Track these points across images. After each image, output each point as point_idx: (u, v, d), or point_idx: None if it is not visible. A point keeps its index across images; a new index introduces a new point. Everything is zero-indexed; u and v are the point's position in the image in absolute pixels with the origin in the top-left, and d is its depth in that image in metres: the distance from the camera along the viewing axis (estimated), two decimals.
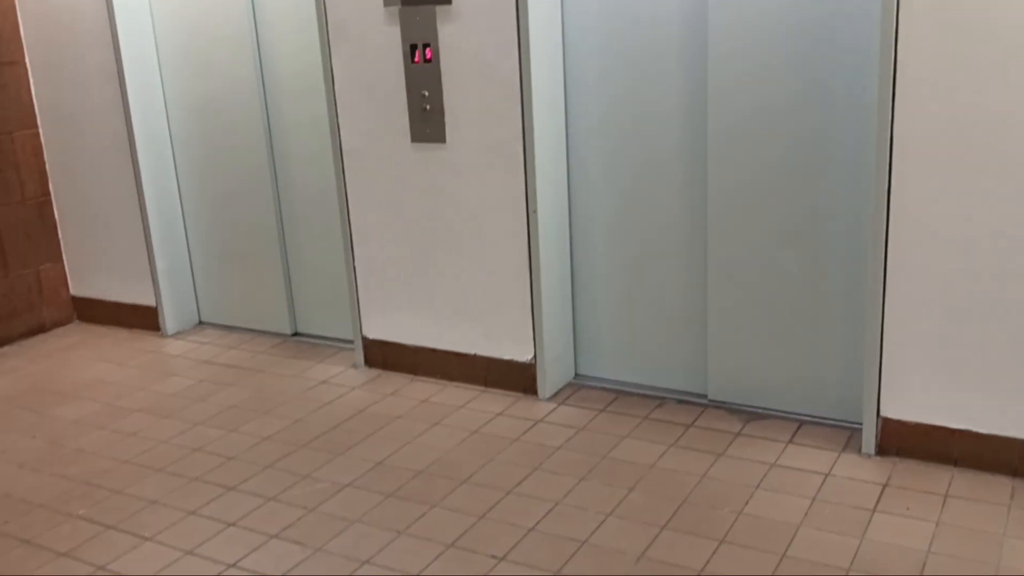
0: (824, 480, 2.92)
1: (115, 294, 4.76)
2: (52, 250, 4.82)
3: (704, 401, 3.51)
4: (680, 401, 3.53)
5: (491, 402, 3.63)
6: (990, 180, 2.71)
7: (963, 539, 2.58)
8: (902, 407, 2.99)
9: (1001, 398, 2.84)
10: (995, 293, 2.78)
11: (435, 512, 2.88)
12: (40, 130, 4.70)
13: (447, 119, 3.56)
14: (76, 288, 4.90)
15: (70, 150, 4.65)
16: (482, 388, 3.76)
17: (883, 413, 3.02)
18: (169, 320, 4.62)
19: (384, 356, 3.99)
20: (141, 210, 4.49)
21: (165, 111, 4.50)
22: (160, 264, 4.56)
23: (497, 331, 3.68)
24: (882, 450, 3.05)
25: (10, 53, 4.55)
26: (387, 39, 3.59)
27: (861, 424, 3.09)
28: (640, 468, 3.07)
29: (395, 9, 3.53)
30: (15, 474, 3.30)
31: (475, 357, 3.76)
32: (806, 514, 2.74)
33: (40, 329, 4.79)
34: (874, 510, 2.74)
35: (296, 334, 4.48)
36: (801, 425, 3.28)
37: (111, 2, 4.25)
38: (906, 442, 3.01)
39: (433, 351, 3.86)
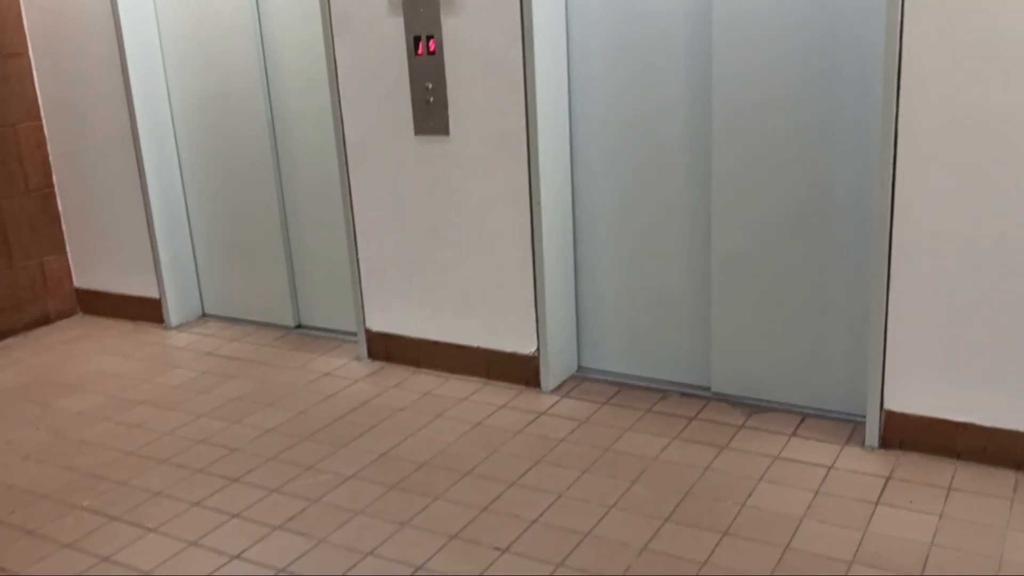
0: (827, 473, 2.92)
1: (119, 286, 4.77)
2: (56, 242, 4.83)
3: (707, 394, 3.51)
4: (683, 394, 3.53)
5: (494, 395, 3.63)
6: (995, 175, 2.71)
7: (966, 532, 2.58)
8: (905, 400, 2.99)
9: (1005, 391, 2.84)
10: (999, 287, 2.78)
11: (438, 504, 2.88)
12: (44, 122, 4.70)
13: (450, 111, 3.55)
14: (80, 280, 4.90)
15: (74, 142, 4.65)
16: (485, 381, 3.76)
17: (886, 406, 3.02)
18: (173, 312, 4.63)
19: (387, 349, 4.00)
20: (145, 202, 4.49)
21: (168, 103, 4.50)
22: (164, 256, 4.56)
23: (500, 323, 3.68)
24: (885, 443, 3.05)
25: (14, 45, 4.55)
26: (391, 31, 3.58)
27: (864, 417, 3.09)
28: (643, 461, 3.07)
29: (399, 0, 3.52)
30: (20, 465, 3.31)
31: (478, 349, 3.77)
32: (809, 507, 2.74)
33: (44, 321, 4.79)
34: (877, 503, 2.74)
35: (299, 326, 4.48)
36: (804, 418, 3.28)
37: None
38: (909, 435, 3.01)
39: (436, 344, 3.86)
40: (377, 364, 4.00)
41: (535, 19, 3.29)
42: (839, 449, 3.06)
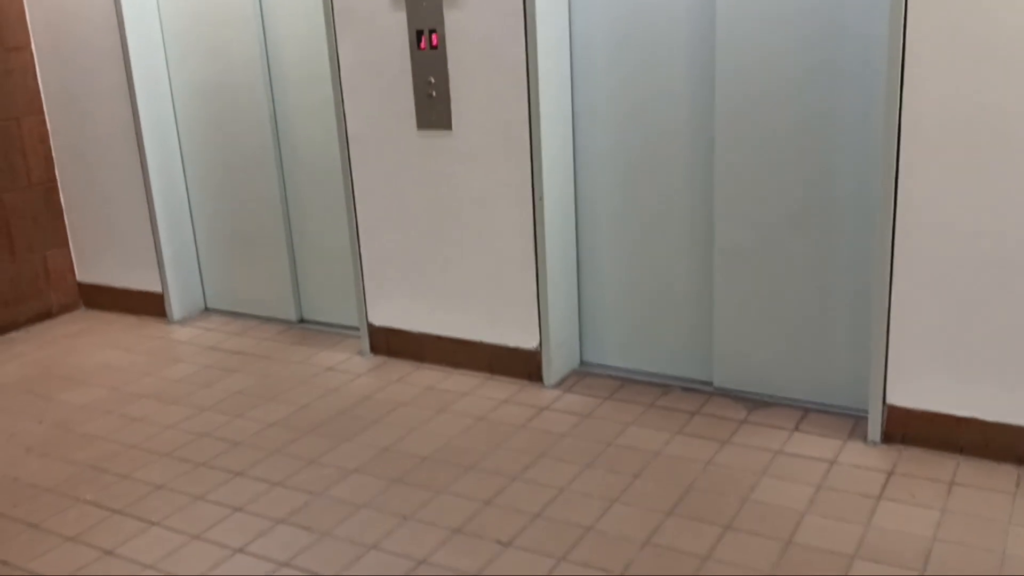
0: (829, 468, 2.92)
1: (121, 280, 4.77)
2: (58, 236, 4.83)
3: (709, 388, 3.51)
4: (685, 388, 3.53)
5: (496, 389, 3.64)
6: (999, 169, 2.70)
7: (969, 527, 2.58)
8: (908, 395, 2.99)
9: (1007, 386, 2.84)
10: (1002, 281, 2.77)
11: (441, 498, 2.88)
12: (46, 116, 4.70)
13: (453, 106, 3.55)
14: (82, 274, 4.90)
15: (76, 135, 4.65)
16: (488, 375, 3.76)
17: (889, 401, 3.02)
18: (175, 306, 4.63)
19: (390, 343, 4.00)
20: (147, 196, 4.50)
21: (171, 96, 4.50)
22: (166, 251, 4.56)
23: (503, 318, 3.68)
24: (888, 438, 3.05)
25: (16, 39, 4.55)
26: (393, 24, 3.58)
27: (867, 411, 3.09)
28: (645, 455, 3.07)
29: None
30: (23, 459, 3.31)
31: (480, 344, 3.77)
32: (811, 502, 2.74)
33: (47, 315, 4.80)
34: (879, 498, 2.74)
35: (302, 321, 4.49)
36: (806, 412, 3.28)
37: None
38: (912, 430, 3.01)
39: (439, 338, 3.86)
40: (380, 359, 4.00)
41: (537, 12, 3.28)
42: (841, 444, 3.06)
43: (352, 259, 3.99)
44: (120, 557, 2.68)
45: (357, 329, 4.17)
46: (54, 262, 4.82)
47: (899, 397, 3.00)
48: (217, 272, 4.67)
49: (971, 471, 2.85)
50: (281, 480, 3.05)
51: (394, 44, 3.60)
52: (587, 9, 3.43)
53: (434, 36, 3.50)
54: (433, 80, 3.56)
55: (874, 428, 3.05)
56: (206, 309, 4.76)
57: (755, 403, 3.38)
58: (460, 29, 3.45)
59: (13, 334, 4.60)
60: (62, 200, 4.81)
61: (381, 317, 3.99)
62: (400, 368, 3.89)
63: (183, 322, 4.62)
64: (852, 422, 3.19)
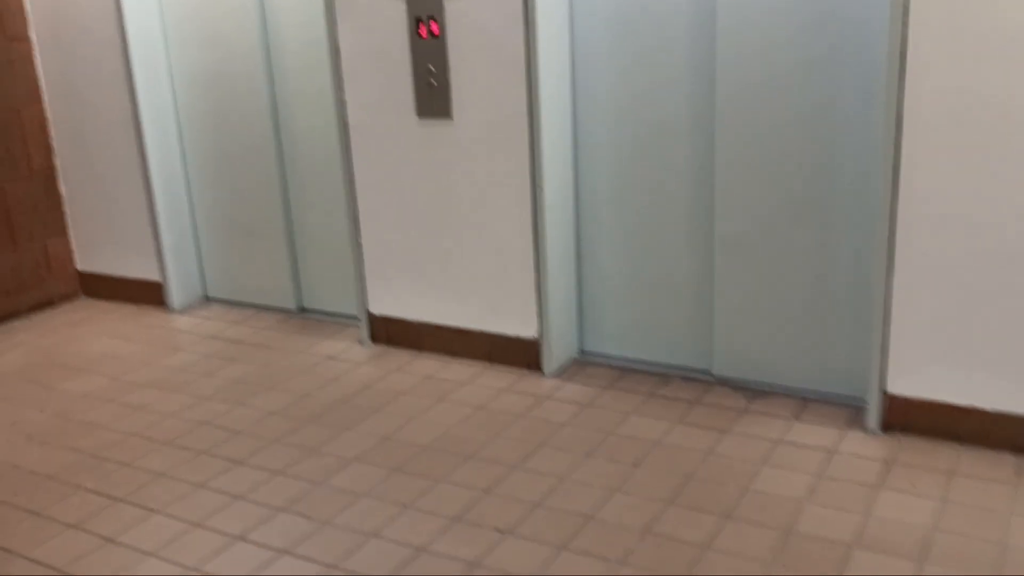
0: (829, 457, 2.93)
1: (121, 269, 4.77)
2: (59, 225, 4.82)
3: (709, 377, 3.51)
4: (685, 378, 3.54)
5: (496, 378, 3.64)
6: (1001, 158, 2.70)
7: (969, 517, 2.58)
8: (908, 384, 2.99)
9: (1008, 375, 2.84)
10: (1003, 271, 2.77)
11: (440, 487, 2.89)
12: (46, 105, 4.70)
13: (453, 95, 3.54)
14: (82, 263, 4.90)
15: (76, 125, 4.65)
16: (487, 364, 3.76)
17: (889, 390, 3.02)
18: (175, 295, 4.63)
19: (389, 332, 4.00)
20: (147, 185, 4.49)
21: (171, 85, 4.49)
22: (166, 240, 4.56)
23: (502, 307, 3.68)
24: (888, 427, 3.05)
25: (16, 29, 4.54)
26: (394, 12, 3.57)
27: (866, 401, 3.09)
28: (645, 444, 3.07)
29: None
30: (24, 446, 3.32)
31: (480, 333, 3.77)
32: (811, 491, 2.75)
33: (47, 304, 4.80)
34: (879, 487, 2.75)
35: (302, 310, 4.49)
36: (807, 402, 3.29)
37: None
38: (912, 419, 3.01)
39: (438, 327, 3.86)
40: (379, 348, 4.01)
41: (538, 1, 3.27)
42: (841, 433, 3.06)
43: (351, 248, 3.99)
44: (121, 545, 2.69)
45: (357, 318, 4.17)
46: (54, 251, 4.81)
47: (899, 386, 3.00)
48: (217, 261, 4.67)
49: (971, 461, 2.86)
50: (281, 469, 3.05)
51: (394, 32, 3.59)
52: None
53: (434, 25, 3.49)
54: (433, 69, 3.55)
55: (874, 417, 3.05)
56: (206, 298, 4.76)
57: (755, 392, 3.38)
58: (460, 17, 3.44)
59: (14, 322, 4.60)
60: (62, 189, 4.81)
61: (381, 306, 3.99)
62: (400, 357, 3.89)
63: (183, 311, 4.62)
64: (852, 411, 3.19)
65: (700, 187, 3.39)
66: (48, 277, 4.79)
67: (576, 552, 2.52)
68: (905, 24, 2.71)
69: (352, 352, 3.98)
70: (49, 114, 4.71)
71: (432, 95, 3.58)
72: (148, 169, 4.45)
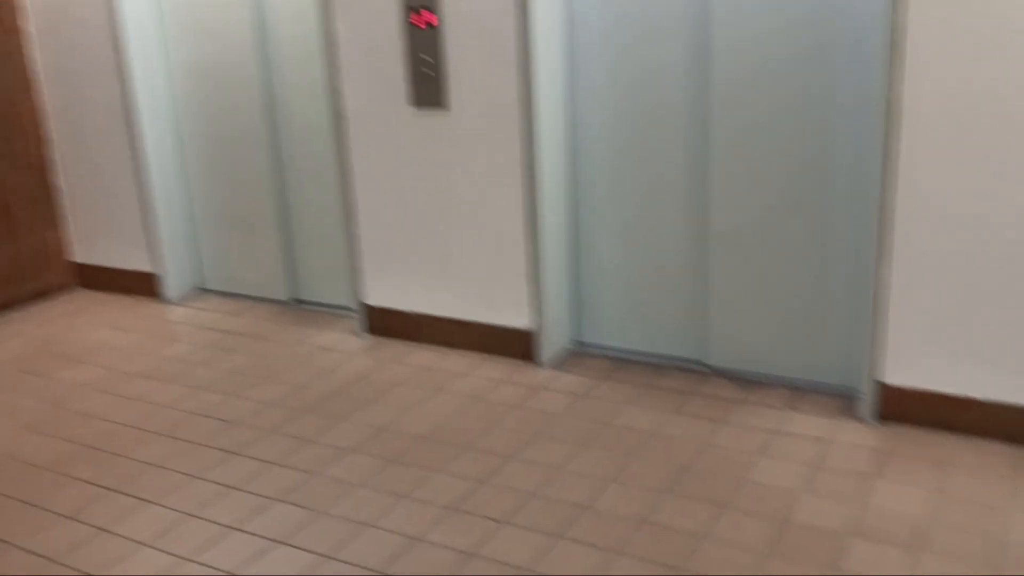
0: (825, 447, 2.93)
1: (117, 260, 4.76)
2: (55, 216, 4.82)
3: (705, 368, 3.51)
4: (681, 368, 3.54)
5: (492, 369, 3.64)
6: (998, 152, 2.69)
7: (965, 508, 2.59)
8: (905, 374, 2.99)
9: (1004, 366, 2.84)
10: (1000, 262, 2.77)
11: (436, 477, 2.89)
12: (43, 96, 4.68)
13: (450, 85, 3.53)
14: (78, 254, 4.89)
15: (72, 116, 4.63)
16: (483, 355, 3.76)
17: (885, 380, 3.02)
18: (171, 286, 4.62)
19: (385, 323, 4.00)
20: (143, 177, 4.48)
21: (166, 76, 4.48)
22: (162, 231, 4.55)
23: (498, 298, 3.68)
24: (884, 417, 3.05)
25: (12, 20, 4.52)
26: (389, 2, 3.55)
27: (863, 392, 3.09)
28: (641, 435, 3.07)
29: None
30: (20, 436, 3.32)
31: (476, 324, 3.77)
32: (807, 481, 2.75)
33: (44, 295, 4.79)
34: (875, 477, 2.75)
35: (298, 301, 4.48)
36: (803, 392, 3.29)
37: None
38: (908, 409, 3.01)
39: (434, 318, 3.86)
40: (375, 339, 4.00)
41: None
42: (837, 423, 3.06)
43: (346, 239, 3.98)
44: (115, 534, 2.69)
45: (353, 309, 4.17)
46: (51, 242, 4.81)
47: (895, 377, 3.00)
48: (213, 252, 4.66)
49: (967, 451, 2.86)
50: (277, 459, 3.05)
51: (391, 22, 3.58)
52: None
53: (429, 14, 3.47)
54: (430, 59, 3.54)
55: (870, 408, 3.05)
56: (202, 289, 4.76)
57: (751, 383, 3.39)
58: (457, 7, 3.43)
59: (11, 313, 4.59)
60: (58, 181, 4.80)
61: (377, 297, 3.99)
62: (396, 348, 3.89)
63: (179, 302, 4.62)
64: (848, 402, 3.19)
65: (696, 178, 3.39)
66: (44, 268, 4.79)
67: (571, 541, 2.52)
68: (902, 15, 2.71)
69: (348, 343, 3.98)
70: (45, 106, 4.69)
71: (428, 85, 3.57)
72: (144, 161, 4.44)
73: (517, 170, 3.48)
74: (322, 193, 4.22)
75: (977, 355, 2.87)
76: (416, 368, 3.69)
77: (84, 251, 4.87)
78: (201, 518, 2.74)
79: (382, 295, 3.98)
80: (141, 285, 4.70)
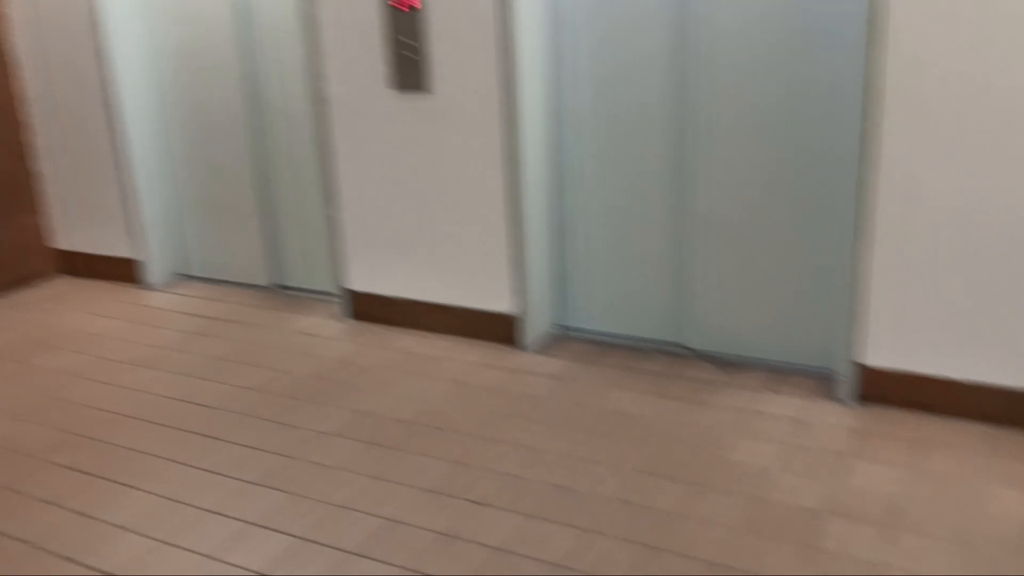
0: (805, 428, 2.94)
1: (99, 247, 4.74)
2: (36, 203, 4.78)
3: (687, 351, 3.52)
4: (664, 352, 3.54)
5: (474, 353, 3.64)
6: (978, 136, 2.70)
7: (942, 486, 2.60)
8: (883, 355, 3.01)
9: (981, 346, 2.86)
10: (977, 244, 2.78)
11: (417, 460, 2.89)
12: (24, 82, 4.64)
13: (433, 68, 3.52)
14: (60, 241, 4.87)
15: (54, 102, 4.60)
16: (466, 339, 3.76)
17: (864, 361, 3.04)
18: (153, 273, 4.61)
19: (368, 308, 3.99)
20: (125, 163, 4.46)
21: (148, 62, 4.45)
22: (144, 217, 4.53)
23: (481, 282, 3.68)
24: (864, 398, 3.07)
25: None
26: None
27: (842, 373, 3.10)
28: (622, 416, 3.08)
29: None
30: (2, 423, 3.31)
31: (459, 309, 3.76)
32: (786, 461, 2.76)
33: (25, 282, 4.77)
34: (853, 457, 2.76)
35: (280, 286, 4.47)
36: (784, 374, 3.30)
37: None
38: (887, 391, 3.02)
39: (417, 303, 3.86)
40: (358, 323, 4.00)
41: None
42: (817, 405, 3.08)
43: (329, 225, 3.97)
44: (97, 520, 2.68)
45: (335, 294, 4.16)
46: (32, 229, 4.78)
47: (874, 358, 3.02)
48: (195, 238, 4.65)
49: (944, 431, 2.88)
50: (258, 444, 3.05)
51: (372, 6, 3.56)
52: None
53: None
54: (412, 43, 3.52)
55: (849, 389, 3.07)
56: (184, 275, 4.74)
57: (733, 366, 3.40)
58: None
59: None
60: (39, 167, 4.77)
61: (359, 282, 3.98)
62: (378, 333, 3.89)
63: (161, 288, 4.60)
64: (828, 384, 3.21)
65: (680, 164, 3.39)
66: (26, 255, 4.76)
67: (550, 521, 2.53)
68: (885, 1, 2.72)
69: (330, 328, 3.97)
70: (26, 90, 4.66)
71: (411, 69, 3.56)
72: (126, 147, 4.42)
73: (500, 154, 3.48)
74: (304, 179, 4.21)
75: (956, 336, 2.88)
76: (399, 353, 3.69)
77: (66, 238, 4.84)
78: (181, 502, 2.74)
79: (365, 280, 3.97)
80: (123, 272, 4.68)
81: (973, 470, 2.67)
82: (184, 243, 4.69)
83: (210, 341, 3.91)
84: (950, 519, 2.45)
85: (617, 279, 3.63)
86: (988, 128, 2.68)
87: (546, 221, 3.63)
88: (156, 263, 4.62)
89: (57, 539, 2.60)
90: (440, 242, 3.72)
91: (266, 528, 2.58)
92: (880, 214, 2.88)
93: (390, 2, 3.49)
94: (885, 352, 3.00)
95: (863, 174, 2.87)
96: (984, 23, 2.61)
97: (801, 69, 3.06)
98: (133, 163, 4.45)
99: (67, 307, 4.44)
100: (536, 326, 3.66)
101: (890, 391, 3.02)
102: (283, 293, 4.42)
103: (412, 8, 3.48)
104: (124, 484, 2.86)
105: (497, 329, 3.69)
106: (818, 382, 3.23)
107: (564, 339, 3.72)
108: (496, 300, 3.67)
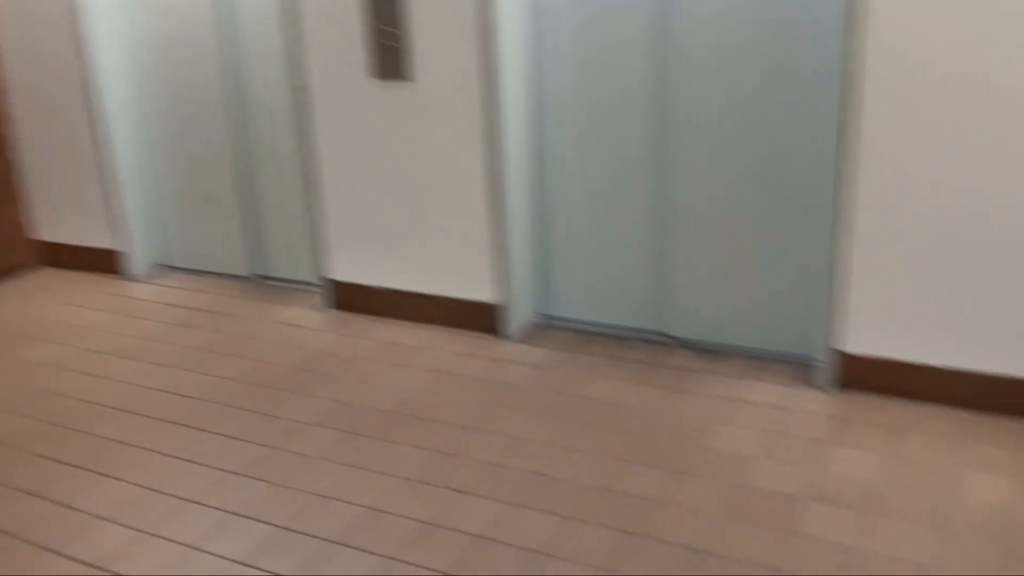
0: (785, 415, 2.96)
1: (81, 238, 4.72)
2: (18, 194, 4.76)
3: (668, 340, 3.53)
4: (644, 340, 3.56)
5: (457, 343, 3.64)
6: (960, 123, 2.72)
7: (921, 472, 2.62)
8: (862, 342, 3.03)
9: (959, 332, 2.88)
10: (954, 231, 2.80)
11: (399, 449, 2.90)
12: (5, 73, 4.61)
13: (414, 56, 3.51)
14: (41, 232, 4.84)
15: (35, 93, 4.57)
16: (448, 329, 3.76)
17: (844, 348, 3.05)
18: (135, 264, 4.59)
19: (350, 298, 3.99)
20: (106, 154, 4.43)
21: (129, 52, 4.42)
22: (125, 208, 4.51)
23: (463, 272, 3.68)
24: (843, 385, 3.09)
25: None
26: None
27: (821, 360, 3.12)
28: (604, 405, 3.09)
29: None
30: None
31: (441, 298, 3.77)
32: (766, 448, 2.78)
33: (7, 273, 4.74)
34: (833, 443, 2.78)
35: (262, 277, 4.46)
36: (765, 362, 3.32)
37: None
38: (866, 377, 3.04)
39: (399, 293, 3.86)
40: (340, 313, 4.00)
41: None
42: (797, 392, 3.10)
43: (309, 214, 3.96)
44: (77, 510, 2.68)
45: (317, 285, 4.15)
46: (12, 220, 4.75)
47: (853, 345, 3.04)
48: (177, 229, 4.63)
49: (922, 416, 2.90)
50: (239, 434, 3.05)
51: None
52: None
53: None
54: (393, 31, 3.51)
55: (829, 376, 3.09)
56: (166, 266, 4.72)
57: (714, 354, 3.41)
58: None
59: None
60: (20, 157, 4.74)
61: (341, 272, 3.98)
62: (360, 323, 3.89)
63: (143, 279, 4.58)
64: (808, 371, 3.22)
65: (661, 153, 3.39)
66: (7, 247, 4.73)
67: (532, 508, 2.54)
68: None
69: (311, 318, 3.97)
70: (7, 81, 4.63)
71: (392, 57, 3.55)
72: (107, 138, 4.40)
73: (481, 141, 3.48)
74: (286, 168, 4.20)
75: (933, 323, 2.90)
76: (381, 343, 3.69)
77: (47, 229, 4.82)
78: (163, 492, 2.74)
79: (346, 270, 3.96)
80: (105, 263, 4.66)
81: (949, 455, 2.69)
82: (166, 234, 4.67)
83: (192, 332, 3.90)
84: (927, 504, 2.48)
85: (599, 267, 3.64)
86: (972, 115, 2.70)
87: (528, 208, 3.64)
88: (138, 254, 4.60)
89: (39, 529, 2.59)
90: (423, 231, 3.72)
91: (247, 517, 2.59)
92: (859, 203, 2.90)
93: None
94: (864, 339, 3.02)
95: (842, 163, 2.88)
96: (963, 12, 2.63)
97: (783, 57, 3.07)
98: (115, 154, 4.43)
99: (49, 298, 4.42)
100: (518, 315, 3.67)
101: (869, 378, 3.04)
102: (265, 284, 4.41)
103: None
104: (106, 474, 2.85)
105: (480, 318, 3.69)
106: (798, 369, 3.25)
107: (547, 328, 3.73)
108: (478, 289, 3.67)
